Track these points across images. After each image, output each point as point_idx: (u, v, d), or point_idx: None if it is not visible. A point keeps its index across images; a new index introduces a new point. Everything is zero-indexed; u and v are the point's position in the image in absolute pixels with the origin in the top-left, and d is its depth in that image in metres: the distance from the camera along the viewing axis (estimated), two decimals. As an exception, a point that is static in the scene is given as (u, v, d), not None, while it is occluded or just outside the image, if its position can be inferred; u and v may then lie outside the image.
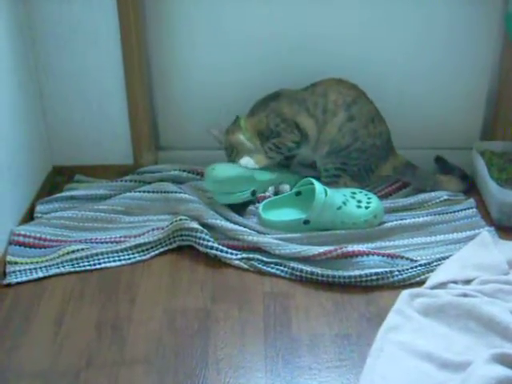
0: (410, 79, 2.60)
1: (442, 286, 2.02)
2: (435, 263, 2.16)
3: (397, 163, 2.51)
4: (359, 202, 2.34)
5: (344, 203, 2.31)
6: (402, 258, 2.18)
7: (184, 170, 2.60)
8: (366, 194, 2.39)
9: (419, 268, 2.14)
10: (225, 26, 2.52)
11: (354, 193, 2.39)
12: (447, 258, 2.18)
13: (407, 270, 2.13)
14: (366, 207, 2.32)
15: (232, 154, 2.51)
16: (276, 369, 1.81)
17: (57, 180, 2.67)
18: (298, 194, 2.42)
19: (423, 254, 2.24)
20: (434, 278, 2.06)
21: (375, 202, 2.34)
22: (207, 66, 2.59)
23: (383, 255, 2.17)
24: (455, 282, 2.03)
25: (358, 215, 2.31)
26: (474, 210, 2.41)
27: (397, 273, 2.11)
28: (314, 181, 2.32)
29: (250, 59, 2.56)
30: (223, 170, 2.42)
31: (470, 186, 2.53)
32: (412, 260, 2.18)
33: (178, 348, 1.88)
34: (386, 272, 2.10)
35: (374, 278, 2.09)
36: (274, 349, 1.87)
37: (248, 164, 2.47)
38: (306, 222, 2.30)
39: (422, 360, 1.77)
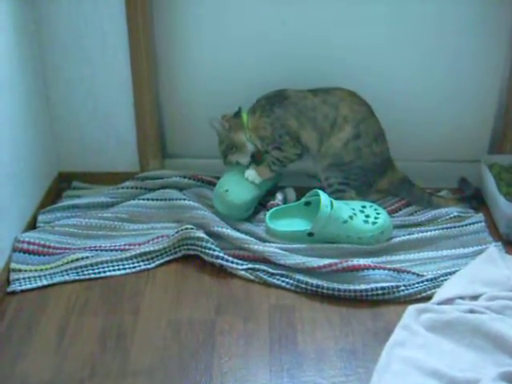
0: (419, 91, 2.59)
1: (448, 301, 2.00)
2: (442, 278, 2.15)
3: (394, 178, 2.50)
4: (367, 216, 2.32)
5: (351, 217, 2.29)
6: (409, 272, 2.17)
7: (185, 177, 2.58)
8: (375, 209, 2.37)
9: (426, 283, 2.12)
10: (235, 34, 2.51)
11: (364, 206, 2.37)
12: (454, 273, 2.16)
13: (413, 284, 2.12)
14: (374, 223, 2.30)
15: (231, 151, 2.48)
16: (281, 383, 1.80)
17: (62, 186, 2.66)
18: (308, 204, 2.41)
19: (429, 268, 2.22)
20: (440, 294, 2.04)
21: (383, 218, 2.32)
22: (216, 74, 2.58)
23: (389, 269, 2.15)
24: (462, 298, 2.01)
25: (364, 230, 2.28)
26: (483, 224, 2.38)
27: (403, 287, 2.09)
28: (320, 192, 2.31)
29: (260, 67, 2.55)
30: (238, 194, 2.39)
31: (474, 207, 2.51)
32: (418, 275, 2.17)
33: (183, 360, 1.86)
34: (393, 287, 2.08)
35: (380, 292, 2.07)
36: (279, 362, 1.86)
37: (255, 179, 2.45)
38: (310, 234, 2.29)
39: (429, 377, 1.75)
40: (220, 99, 2.56)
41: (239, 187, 2.42)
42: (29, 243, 2.24)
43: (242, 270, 2.19)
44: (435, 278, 2.15)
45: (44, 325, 1.99)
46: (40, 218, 2.41)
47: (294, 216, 2.40)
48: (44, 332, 1.96)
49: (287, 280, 2.15)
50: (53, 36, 2.44)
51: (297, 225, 2.37)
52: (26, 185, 2.37)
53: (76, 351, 1.89)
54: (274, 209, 2.41)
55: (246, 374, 1.82)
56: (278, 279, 2.16)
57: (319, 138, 2.40)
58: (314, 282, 2.11)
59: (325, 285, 2.10)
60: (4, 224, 2.18)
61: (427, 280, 2.14)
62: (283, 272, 2.18)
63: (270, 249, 2.23)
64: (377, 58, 2.53)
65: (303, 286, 2.12)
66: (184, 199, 2.44)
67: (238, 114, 2.47)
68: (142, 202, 2.49)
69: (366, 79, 2.51)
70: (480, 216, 2.42)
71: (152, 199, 2.49)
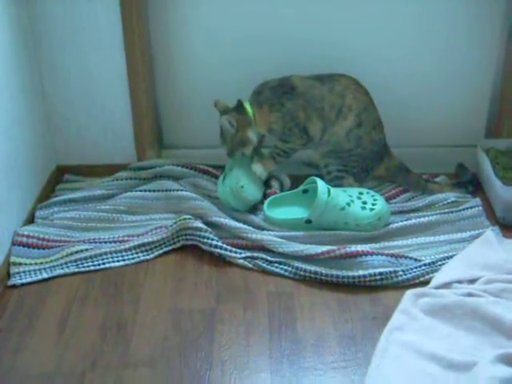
0: (414, 76, 2.59)
1: (446, 285, 2.02)
2: (439, 263, 2.16)
3: (390, 165, 2.51)
4: (364, 203, 2.33)
5: (348, 204, 2.30)
6: (406, 257, 2.18)
7: (178, 165, 2.58)
8: (372, 196, 2.37)
9: (423, 267, 2.13)
10: (228, 23, 2.51)
11: (361, 193, 2.38)
12: (451, 257, 2.17)
13: (411, 269, 2.13)
14: (371, 209, 2.31)
15: (238, 147, 2.42)
16: (281, 369, 1.81)
17: (60, 179, 2.67)
18: (305, 191, 2.41)
19: (427, 253, 2.23)
20: (438, 278, 2.05)
21: (380, 205, 2.32)
22: (211, 63, 2.58)
23: (387, 255, 2.16)
24: (460, 282, 2.03)
25: (361, 217, 2.29)
26: (480, 208, 2.39)
27: (401, 273, 2.10)
28: (317, 179, 2.31)
29: (256, 56, 2.54)
30: (252, 191, 2.40)
31: (471, 192, 2.51)
32: (416, 260, 2.18)
33: (183, 349, 1.88)
34: (391, 272, 2.09)
35: (379, 277, 2.08)
36: (278, 349, 1.87)
37: (263, 174, 2.45)
38: (308, 221, 2.30)
39: (427, 360, 1.77)
40: (216, 88, 2.56)
41: (252, 183, 2.40)
42: (28, 237, 2.25)
43: (241, 258, 2.20)
44: (433, 263, 2.16)
45: (45, 317, 2.00)
46: (37, 213, 2.41)
47: (291, 204, 2.41)
48: (45, 324, 1.98)
49: (286, 267, 2.17)
50: (48, 31, 2.44)
51: (295, 212, 2.38)
52: (24, 179, 2.37)
53: (77, 343, 1.91)
54: (272, 197, 2.42)
55: (246, 361, 1.83)
56: (277, 267, 2.17)
57: (324, 127, 2.40)
58: (313, 268, 2.12)
59: (323, 271, 2.11)
60: (3, 218, 2.18)
61: (425, 265, 2.15)
62: (281, 260, 2.19)
63: (268, 237, 2.24)
64: (372, 44, 2.54)
65: (302, 273, 2.13)
66: (181, 190, 2.45)
67: (241, 109, 2.40)
68: (139, 193, 2.49)
69: (362, 64, 2.51)
70: (477, 200, 2.43)
71: (149, 190, 2.50)
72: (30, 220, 2.39)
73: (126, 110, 2.57)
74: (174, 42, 2.55)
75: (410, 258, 2.18)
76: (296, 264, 2.16)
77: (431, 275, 2.10)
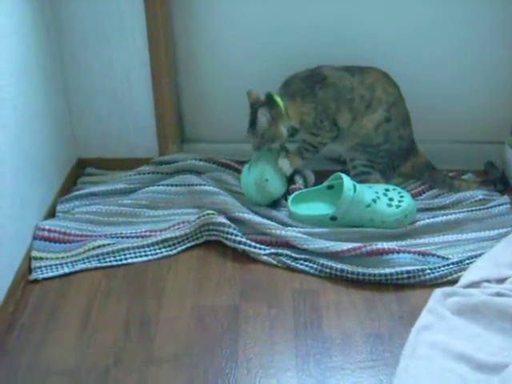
0: (442, 72, 2.54)
1: (475, 284, 1.98)
2: (467, 261, 2.12)
3: (417, 162, 2.47)
4: (391, 200, 2.29)
5: (374, 201, 2.26)
6: (434, 255, 2.14)
7: (200, 159, 2.55)
8: (399, 192, 2.33)
9: (451, 266, 2.10)
10: (254, 13, 2.46)
11: (388, 190, 2.34)
12: (479, 255, 2.13)
13: (439, 268, 2.09)
14: (397, 206, 2.27)
15: (269, 142, 2.38)
16: (307, 368, 1.78)
17: (81, 173, 2.64)
18: (330, 187, 2.37)
19: (454, 251, 2.19)
20: (467, 277, 2.01)
21: (407, 202, 2.28)
22: (236, 55, 2.55)
23: (414, 253, 2.12)
24: (488, 281, 1.99)
25: (388, 214, 2.25)
26: (508, 206, 2.35)
27: (429, 271, 2.07)
28: (343, 175, 2.28)
29: (279, 49, 2.50)
30: (276, 186, 2.37)
31: (499, 190, 2.46)
32: (443, 258, 2.14)
33: (207, 346, 1.85)
34: (418, 270, 2.06)
35: (406, 276, 2.05)
36: (304, 348, 1.85)
37: (288, 170, 2.41)
38: (333, 218, 2.26)
39: (456, 361, 1.74)
40: (239, 83, 2.52)
41: (276, 177, 2.38)
42: (49, 231, 2.23)
43: (265, 255, 2.17)
44: (460, 261, 2.12)
45: (67, 312, 1.98)
46: (59, 207, 2.39)
47: (316, 200, 2.38)
48: (67, 320, 1.96)
49: (311, 265, 2.13)
50: (70, 22, 2.41)
51: (319, 209, 2.34)
52: (46, 172, 2.35)
53: (100, 339, 1.89)
54: (296, 193, 2.38)
55: (271, 359, 1.81)
56: (302, 264, 2.14)
57: (352, 118, 2.36)
58: (339, 266, 2.09)
59: (349, 269, 2.08)
60: (25, 212, 2.16)
61: (453, 263, 2.11)
62: (307, 256, 2.16)
63: (293, 233, 2.21)
64: (404, 40, 2.49)
65: (327, 270, 2.10)
66: (204, 184, 2.42)
67: (272, 102, 2.35)
68: (161, 187, 2.46)
69: (392, 59, 2.46)
70: (505, 198, 2.39)
71: (171, 185, 2.47)
72: (51, 214, 2.37)
73: (148, 104, 2.54)
74: (198, 33, 2.51)
75: (438, 256, 2.14)
76: (321, 261, 2.12)
77: (459, 274, 2.06)
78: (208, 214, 2.23)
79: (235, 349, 1.84)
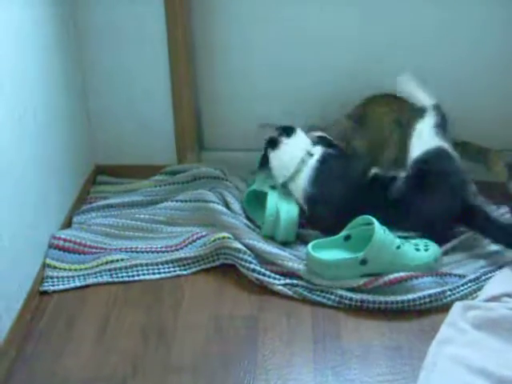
0: (471, 78, 2.49)
1: (495, 298, 1.96)
2: (483, 277, 2.09)
3: None
4: (416, 245, 2.16)
5: (403, 244, 2.13)
6: (451, 275, 2.11)
7: (216, 168, 2.53)
8: (421, 240, 2.20)
9: (469, 284, 2.06)
10: (277, 24, 2.44)
11: (407, 239, 2.19)
12: (493, 271, 2.11)
13: (458, 287, 2.05)
14: (426, 249, 2.14)
15: None
16: (326, 381, 1.76)
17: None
18: (347, 238, 2.21)
19: (468, 269, 2.15)
20: (487, 291, 2.00)
21: (433, 245, 2.17)
22: (255, 65, 2.53)
23: (432, 275, 2.08)
24: (509, 296, 1.97)
25: (419, 257, 2.11)
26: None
27: (449, 292, 2.03)
28: (371, 218, 2.12)
29: (303, 61, 2.48)
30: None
31: None
32: (460, 276, 2.11)
33: (226, 356, 1.84)
34: (439, 293, 2.01)
35: (428, 300, 2.00)
36: (323, 360, 1.83)
37: None
38: (363, 261, 2.08)
39: (477, 375, 1.72)
40: (259, 92, 2.52)
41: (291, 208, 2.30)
42: (65, 240, 2.22)
43: (280, 285, 2.10)
44: (477, 278, 2.09)
45: (84, 321, 1.97)
46: (75, 219, 2.39)
47: (333, 248, 2.19)
48: (85, 328, 1.95)
49: (328, 295, 2.05)
50: (89, 26, 2.41)
51: (341, 255, 2.17)
52: (64, 178, 2.35)
53: (118, 348, 1.87)
54: (313, 242, 2.19)
55: (290, 371, 1.79)
56: (319, 295, 2.06)
57: None
58: (358, 297, 2.02)
59: (370, 299, 2.01)
60: (42, 220, 2.16)
61: (470, 281, 2.08)
62: (323, 288, 2.08)
63: (305, 267, 2.13)
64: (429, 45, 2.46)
65: (347, 301, 2.02)
66: (216, 203, 2.36)
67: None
68: (178, 204, 2.42)
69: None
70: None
71: (187, 201, 2.43)
72: (69, 221, 2.36)
73: (167, 110, 2.53)
74: (218, 41, 2.49)
75: (455, 275, 2.11)
76: (340, 292, 2.04)
77: (478, 293, 2.03)
78: (224, 238, 2.18)
79: (254, 360, 1.83)
